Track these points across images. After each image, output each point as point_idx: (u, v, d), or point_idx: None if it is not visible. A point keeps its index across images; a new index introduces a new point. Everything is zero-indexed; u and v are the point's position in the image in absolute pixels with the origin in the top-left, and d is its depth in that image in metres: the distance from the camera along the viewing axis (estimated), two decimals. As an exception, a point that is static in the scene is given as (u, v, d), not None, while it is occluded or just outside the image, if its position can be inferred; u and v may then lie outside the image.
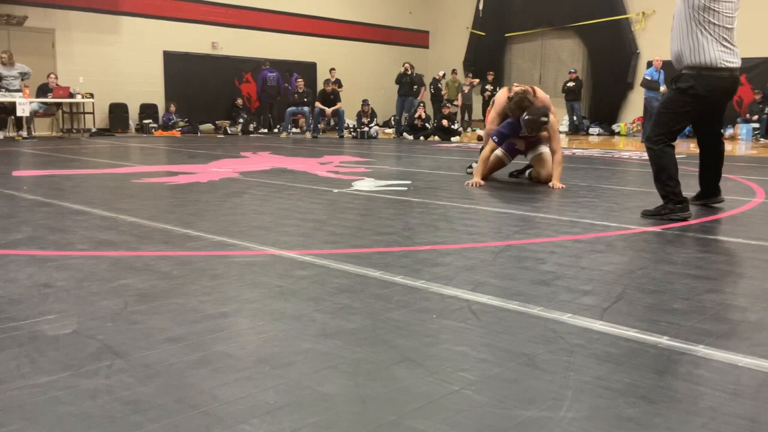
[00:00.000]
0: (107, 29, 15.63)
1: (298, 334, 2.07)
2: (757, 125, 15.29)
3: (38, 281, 2.65)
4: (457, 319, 2.22)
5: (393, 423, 1.50)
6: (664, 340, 2.04)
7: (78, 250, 3.23)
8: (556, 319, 2.23)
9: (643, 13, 17.57)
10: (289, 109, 16.03)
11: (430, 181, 6.51)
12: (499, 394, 1.65)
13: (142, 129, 16.00)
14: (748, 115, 15.57)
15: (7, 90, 12.69)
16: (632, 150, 11.75)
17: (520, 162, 6.94)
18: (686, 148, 11.14)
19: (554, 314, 2.29)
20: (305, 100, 15.95)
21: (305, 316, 2.24)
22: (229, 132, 16.36)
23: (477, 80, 19.10)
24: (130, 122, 16.18)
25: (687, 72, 4.33)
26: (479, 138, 14.78)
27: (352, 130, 15.99)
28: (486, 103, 17.83)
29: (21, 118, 12.81)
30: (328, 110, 15.52)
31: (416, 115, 15.42)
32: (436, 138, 14.94)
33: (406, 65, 16.20)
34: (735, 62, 4.32)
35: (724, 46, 4.25)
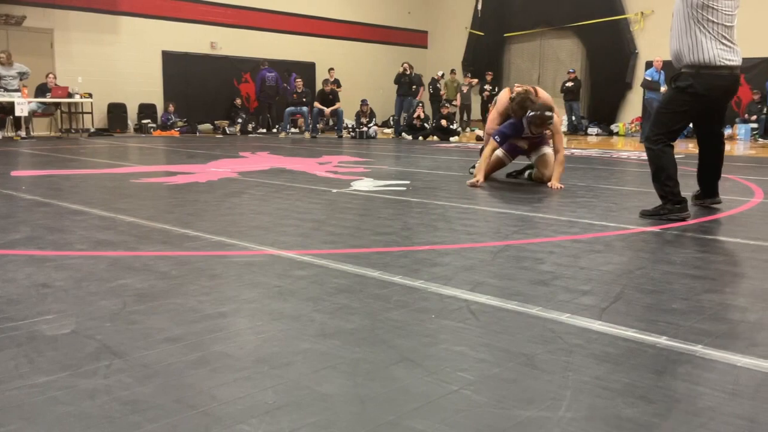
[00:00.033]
0: (106, 29, 15.62)
1: (297, 334, 2.07)
2: (755, 125, 15.31)
3: (37, 281, 2.65)
4: (456, 319, 2.22)
5: (392, 423, 1.50)
6: (663, 340, 2.04)
7: (76, 250, 3.23)
8: (555, 319, 2.23)
9: (642, 13, 17.59)
10: (288, 109, 16.02)
11: (428, 181, 6.51)
12: (498, 394, 1.65)
13: (140, 129, 15.99)
14: (746, 116, 15.59)
15: (6, 90, 12.68)
16: (631, 150, 11.76)
17: (519, 162, 6.93)
18: (685, 148, 11.15)
19: (553, 314, 2.29)
20: (304, 100, 15.95)
21: (304, 316, 2.24)
22: (227, 132, 16.36)
23: (476, 80, 19.11)
24: (129, 122, 16.17)
25: (686, 71, 4.31)
26: (478, 138, 14.79)
27: (350, 130, 15.99)
28: (485, 103, 17.86)
29: (19, 118, 12.80)
30: (327, 110, 15.52)
31: (415, 115, 15.43)
32: (435, 138, 14.95)
33: (405, 65, 16.20)
34: (735, 60, 4.28)
35: (724, 44, 4.22)
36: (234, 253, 3.21)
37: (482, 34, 20.76)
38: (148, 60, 16.35)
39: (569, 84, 17.42)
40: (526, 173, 6.62)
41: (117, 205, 4.64)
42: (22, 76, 13.00)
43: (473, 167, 7.06)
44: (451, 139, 14.71)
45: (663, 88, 12.66)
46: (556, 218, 4.35)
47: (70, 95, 13.78)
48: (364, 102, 16.00)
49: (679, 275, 2.88)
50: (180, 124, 16.17)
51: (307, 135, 15.70)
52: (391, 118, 18.30)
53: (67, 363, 1.81)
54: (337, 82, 16.82)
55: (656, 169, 4.39)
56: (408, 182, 6.29)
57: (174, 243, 3.43)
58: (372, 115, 16.32)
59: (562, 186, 5.88)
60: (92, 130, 14.69)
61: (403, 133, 15.57)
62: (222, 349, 1.93)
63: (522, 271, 2.89)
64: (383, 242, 3.50)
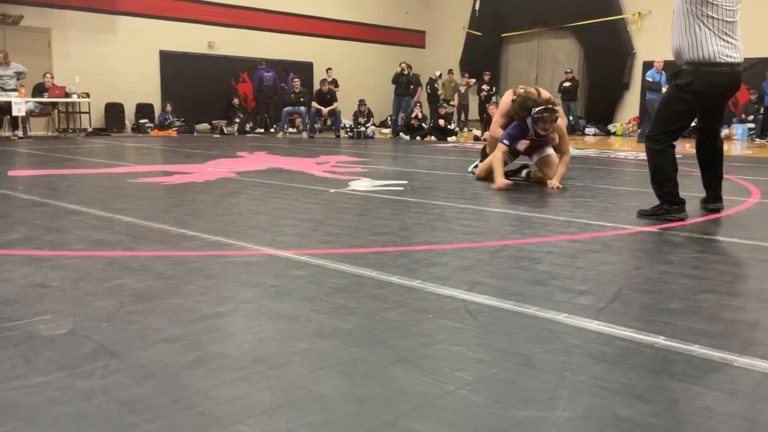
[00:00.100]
0: (103, 29, 15.61)
1: (294, 334, 2.07)
2: (752, 125, 15.34)
3: (34, 281, 2.65)
4: (454, 319, 2.22)
5: (389, 423, 1.50)
6: (660, 340, 2.04)
7: (74, 250, 3.22)
8: (552, 319, 2.23)
9: (639, 13, 17.61)
10: (286, 108, 16.02)
11: (426, 181, 6.51)
12: (496, 394, 1.65)
13: (138, 129, 15.98)
14: (743, 116, 15.61)
15: (3, 89, 12.66)
16: (628, 150, 11.77)
17: (516, 162, 6.93)
18: (682, 148, 11.16)
19: (550, 314, 2.29)
20: (302, 99, 15.95)
21: (301, 316, 2.24)
22: (225, 132, 16.34)
23: (473, 80, 19.12)
24: (126, 122, 16.16)
25: (686, 68, 4.24)
26: (476, 138, 14.80)
27: (348, 130, 15.99)
28: (482, 104, 17.85)
29: (17, 117, 12.78)
30: (325, 110, 15.52)
31: (413, 115, 15.43)
32: (433, 138, 14.95)
33: (403, 65, 16.21)
34: (736, 57, 4.19)
35: (724, 40, 4.14)
36: (231, 253, 3.20)
37: (480, 34, 20.77)
38: (145, 60, 16.34)
39: (567, 84, 17.44)
40: (523, 173, 6.62)
41: (114, 205, 4.63)
42: (19, 75, 12.98)
43: (475, 166, 7.07)
44: (449, 139, 14.71)
45: (664, 89, 12.67)
46: (554, 218, 4.35)
47: (67, 95, 13.77)
48: (361, 102, 16.00)
49: (677, 275, 2.88)
50: (177, 123, 16.16)
51: (304, 135, 15.69)
52: (389, 118, 18.31)
53: (64, 363, 1.81)
54: (334, 82, 16.82)
55: (655, 168, 4.35)
56: (406, 182, 6.29)
57: (171, 243, 3.42)
58: (370, 115, 16.32)
59: (560, 186, 5.89)
60: (89, 129, 14.66)
61: (401, 133, 15.57)
62: (219, 350, 1.92)
63: (519, 271, 2.89)
64: (381, 242, 3.50)
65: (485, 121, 15.15)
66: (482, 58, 20.40)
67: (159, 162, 8.62)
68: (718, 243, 3.72)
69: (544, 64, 19.75)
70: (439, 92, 18.48)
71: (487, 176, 6.59)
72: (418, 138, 14.98)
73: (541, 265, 3.02)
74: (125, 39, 15.95)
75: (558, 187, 5.85)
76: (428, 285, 2.64)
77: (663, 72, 13.23)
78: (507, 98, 6.37)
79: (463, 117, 19.03)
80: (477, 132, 15.29)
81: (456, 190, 5.77)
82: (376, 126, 18.31)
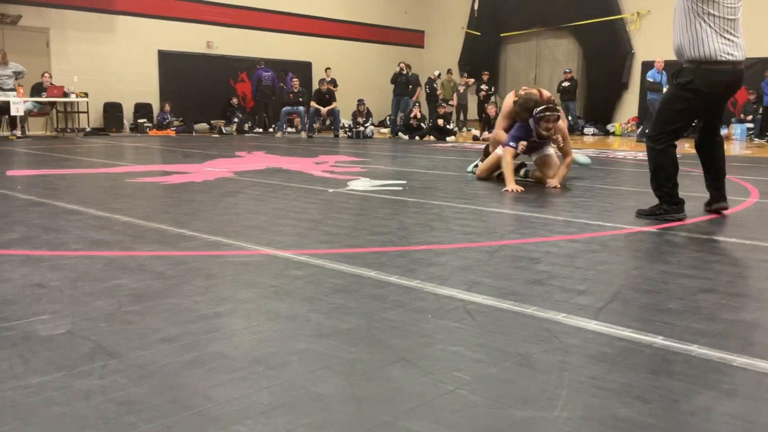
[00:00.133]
0: (102, 28, 15.60)
1: (293, 334, 2.07)
2: (751, 125, 15.35)
3: (32, 281, 2.64)
4: (452, 319, 2.22)
5: (388, 423, 1.50)
6: (659, 340, 2.04)
7: (72, 250, 3.22)
8: (551, 319, 2.23)
9: (638, 13, 17.62)
10: (285, 108, 16.02)
11: (425, 180, 6.51)
12: (494, 394, 1.65)
13: (136, 128, 15.97)
14: (742, 116, 15.63)
15: (1, 89, 12.66)
16: (627, 150, 11.78)
17: (515, 161, 6.93)
18: (680, 148, 11.15)
19: (549, 314, 2.29)
20: (300, 99, 15.95)
21: (300, 316, 2.24)
22: (224, 131, 16.34)
23: (472, 80, 19.12)
24: (125, 122, 16.15)
25: (687, 66, 4.20)
26: (475, 138, 14.81)
27: (347, 129, 15.99)
28: (481, 103, 17.86)
29: (15, 117, 12.77)
30: (324, 110, 15.52)
31: (412, 115, 15.43)
32: (432, 138, 14.95)
33: (402, 65, 16.21)
34: (737, 55, 4.14)
35: (726, 38, 4.09)
36: (230, 253, 3.20)
37: (479, 33, 20.78)
38: (144, 59, 16.33)
39: (566, 84, 17.45)
40: (522, 171, 6.62)
41: (112, 205, 4.63)
42: (17, 75, 12.97)
43: (475, 165, 7.08)
44: (448, 139, 14.71)
45: (665, 89, 12.66)
46: (553, 218, 4.35)
47: (65, 94, 13.76)
48: (360, 102, 16.00)
49: (676, 275, 2.88)
50: (176, 123, 16.15)
51: (303, 134, 15.69)
52: (388, 117, 18.32)
53: (62, 363, 1.81)
54: (333, 82, 16.82)
55: (655, 168, 4.31)
56: (404, 182, 6.29)
57: (170, 243, 3.42)
58: (369, 114, 16.33)
59: (559, 186, 5.89)
60: (88, 129, 14.66)
61: (400, 133, 15.57)
62: (218, 350, 1.92)
63: (518, 271, 2.89)
64: (380, 242, 3.50)
65: (484, 121, 15.17)
66: (481, 57, 20.41)
67: (157, 162, 8.62)
68: (717, 243, 3.72)
69: (542, 63, 19.76)
70: (438, 92, 18.48)
71: (488, 176, 6.61)
72: (416, 138, 14.98)
73: (540, 264, 3.02)
74: (124, 39, 15.94)
75: (557, 187, 5.86)
76: (427, 285, 2.64)
77: (664, 72, 13.23)
78: (509, 100, 6.37)
79: (461, 117, 19.03)
80: (476, 132, 15.30)
81: (455, 190, 5.77)
82: (375, 126, 18.32)
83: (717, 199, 4.51)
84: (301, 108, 15.93)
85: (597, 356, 1.91)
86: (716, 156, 4.48)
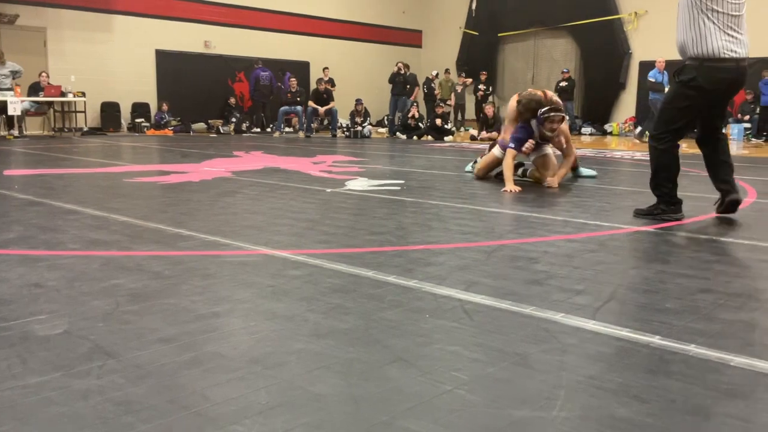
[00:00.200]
0: (99, 28, 15.57)
1: (291, 334, 2.07)
2: (748, 125, 15.37)
3: (29, 281, 2.64)
4: (450, 319, 2.22)
5: (385, 423, 1.50)
6: (657, 340, 2.05)
7: (69, 250, 3.21)
8: (549, 319, 2.23)
9: (636, 13, 17.63)
10: (282, 108, 16.01)
11: (423, 180, 6.51)
12: (492, 394, 1.65)
13: (134, 128, 15.95)
14: (739, 115, 15.65)
15: (-1, 89, 12.64)
16: (624, 150, 11.78)
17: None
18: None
19: (547, 314, 2.29)
20: (298, 99, 15.94)
21: (298, 316, 2.24)
22: (221, 131, 16.33)
23: (470, 80, 19.13)
24: (122, 121, 16.12)
25: (690, 63, 4.16)
26: (472, 137, 14.81)
27: (345, 129, 15.98)
28: (479, 103, 17.87)
29: (12, 116, 12.75)
30: (321, 109, 15.51)
31: (409, 115, 15.43)
32: (429, 137, 14.95)
33: (400, 65, 16.21)
34: (740, 52, 4.08)
35: (729, 34, 4.05)
36: (227, 252, 3.20)
37: (476, 33, 20.78)
38: (141, 59, 16.31)
39: (563, 84, 17.46)
40: (519, 170, 6.62)
41: (110, 205, 4.62)
42: (14, 74, 12.94)
43: (474, 162, 7.09)
44: (446, 138, 14.72)
45: (667, 89, 12.65)
46: (551, 218, 4.35)
47: (63, 94, 13.74)
48: (358, 101, 15.99)
49: (673, 275, 2.88)
50: (174, 123, 16.14)
51: (301, 134, 15.68)
52: (386, 117, 18.31)
53: (60, 363, 1.80)
54: (331, 82, 16.82)
55: (657, 167, 4.28)
56: (402, 182, 6.29)
57: (167, 243, 3.42)
58: (366, 114, 16.32)
59: (557, 186, 5.90)
60: (85, 129, 14.64)
61: (398, 133, 15.57)
62: (215, 350, 1.92)
63: (516, 271, 2.89)
64: (377, 242, 3.50)
65: (481, 121, 15.18)
66: (479, 57, 20.41)
67: (155, 161, 8.61)
68: (715, 243, 3.72)
69: (540, 63, 19.77)
70: (436, 92, 18.49)
71: (485, 175, 6.63)
72: (414, 137, 14.99)
73: (538, 264, 3.02)
74: (121, 38, 15.91)
75: (554, 186, 5.87)
76: (425, 285, 2.64)
77: (665, 72, 13.23)
78: (513, 103, 6.36)
79: (459, 117, 19.03)
80: (473, 132, 15.30)
81: (453, 190, 5.78)
82: (373, 125, 18.31)
83: (728, 192, 4.29)
84: (299, 108, 15.92)
85: (595, 356, 1.91)
86: (720, 149, 4.37)
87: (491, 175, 6.71)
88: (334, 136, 15.56)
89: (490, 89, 18.86)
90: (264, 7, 18.44)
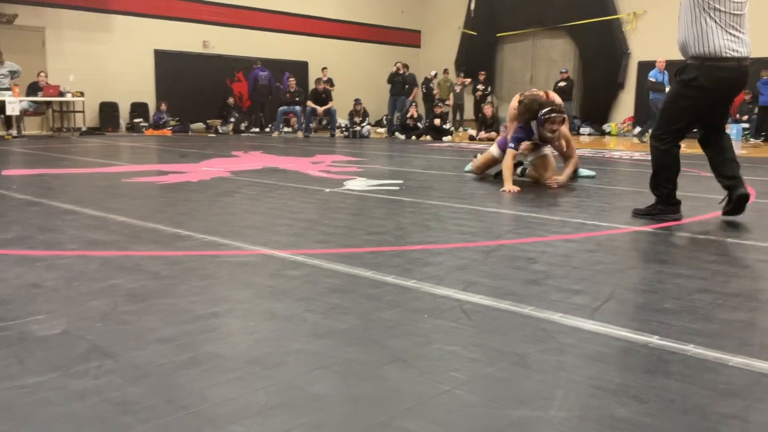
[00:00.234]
0: (98, 28, 15.56)
1: (289, 334, 2.06)
2: (747, 125, 15.38)
3: (27, 281, 2.64)
4: (449, 319, 2.22)
5: (384, 423, 1.50)
6: (655, 340, 2.05)
7: (67, 250, 3.21)
8: (547, 319, 2.23)
9: (634, 13, 17.64)
10: (281, 108, 16.00)
11: (422, 180, 6.51)
12: (491, 394, 1.65)
13: (132, 128, 15.94)
14: (737, 116, 15.66)
15: (-3, 88, 12.63)
16: (623, 150, 11.79)
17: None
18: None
19: (545, 314, 2.29)
20: (297, 99, 15.93)
21: (296, 316, 2.24)
22: (220, 131, 16.32)
23: (469, 80, 19.12)
24: (121, 121, 16.11)
25: (691, 62, 4.13)
26: (471, 138, 14.81)
27: (344, 129, 15.98)
28: (478, 103, 17.87)
29: (11, 116, 12.74)
30: (320, 109, 15.50)
31: (408, 115, 15.44)
32: (428, 137, 14.95)
33: (398, 65, 16.21)
34: (742, 51, 4.05)
35: (731, 33, 4.01)
36: (226, 252, 3.19)
37: (475, 33, 20.79)
38: (140, 59, 16.30)
39: (562, 84, 17.45)
40: (518, 170, 6.63)
41: (108, 205, 4.62)
42: (13, 74, 12.94)
43: (475, 157, 7.11)
44: (444, 138, 14.72)
45: (668, 89, 12.64)
46: (549, 218, 4.35)
47: (61, 94, 13.72)
48: (357, 101, 15.99)
49: (671, 275, 2.88)
50: (172, 123, 16.13)
51: (300, 134, 15.68)
52: (384, 117, 18.31)
53: (58, 364, 1.80)
54: (330, 82, 16.81)
55: (657, 167, 4.27)
56: (401, 182, 6.29)
57: (166, 243, 3.41)
58: (365, 114, 16.32)
59: (561, 184, 5.89)
60: (84, 129, 14.63)
61: (396, 133, 15.57)
62: (214, 350, 1.92)
63: (514, 271, 2.89)
64: (376, 242, 3.50)
65: (480, 121, 15.18)
66: (477, 57, 20.41)
67: (154, 161, 8.60)
68: (713, 242, 3.73)
69: (539, 63, 19.77)
70: (435, 92, 18.48)
71: (482, 172, 6.68)
72: (413, 137, 14.99)
73: (536, 264, 3.02)
74: (120, 38, 15.91)
75: (562, 182, 5.88)
76: (423, 285, 2.63)
77: (665, 71, 13.23)
78: (514, 102, 6.35)
79: (458, 117, 19.03)
80: (472, 132, 15.30)
81: (451, 190, 5.78)
82: (372, 125, 18.31)
83: (735, 187, 4.16)
84: (298, 108, 15.92)
85: (593, 356, 1.91)
86: (724, 147, 4.31)
87: (489, 173, 6.72)
88: (333, 136, 15.55)
89: (489, 89, 18.86)
90: (263, 7, 18.43)
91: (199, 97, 17.05)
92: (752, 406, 1.61)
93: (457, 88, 18.88)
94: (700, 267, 3.05)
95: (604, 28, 18.07)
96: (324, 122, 17.04)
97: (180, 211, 4.43)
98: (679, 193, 4.36)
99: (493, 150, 6.56)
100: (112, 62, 15.78)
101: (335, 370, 1.78)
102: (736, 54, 4.04)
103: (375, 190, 5.59)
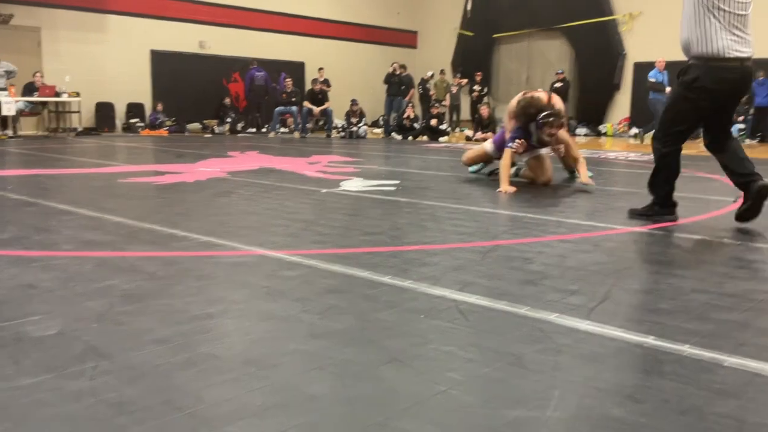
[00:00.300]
0: (94, 28, 15.53)
1: (286, 334, 2.06)
2: (742, 126, 15.42)
3: (23, 282, 2.63)
4: (445, 319, 2.22)
5: (380, 424, 1.50)
6: (650, 340, 2.05)
7: (63, 251, 3.20)
8: (543, 319, 2.24)
9: (630, 14, 17.67)
10: (277, 108, 15.99)
11: (418, 181, 6.52)
12: (487, 394, 1.65)
13: (128, 128, 15.91)
14: (733, 116, 15.69)
15: (-7, 88, 12.61)
16: (618, 150, 11.80)
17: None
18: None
19: (541, 314, 2.29)
20: (293, 99, 15.92)
21: (292, 316, 2.24)
22: (216, 131, 16.30)
23: (465, 81, 19.12)
24: (117, 121, 16.09)
25: (694, 63, 4.08)
26: (467, 138, 14.82)
27: (340, 129, 15.98)
28: (474, 104, 17.87)
29: (6, 117, 12.71)
30: (317, 110, 15.50)
31: (405, 115, 15.44)
32: (425, 138, 14.96)
33: (395, 65, 16.21)
34: (745, 51, 4.00)
35: (735, 34, 3.96)
36: (222, 253, 3.19)
37: (471, 34, 20.79)
38: (136, 59, 16.27)
39: (558, 85, 17.44)
40: (513, 169, 6.63)
41: (104, 205, 4.61)
42: (9, 74, 12.91)
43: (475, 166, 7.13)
44: (441, 139, 14.73)
45: (668, 89, 12.65)
46: (545, 218, 4.36)
47: (57, 94, 13.70)
48: (353, 102, 15.99)
49: (667, 275, 2.89)
50: (168, 123, 16.11)
51: (296, 135, 15.67)
52: (381, 118, 18.30)
53: (53, 364, 1.80)
54: (326, 82, 16.80)
55: (657, 168, 4.26)
56: (397, 182, 6.29)
57: (161, 243, 3.41)
58: (362, 114, 16.31)
59: (590, 181, 5.90)
60: (80, 129, 14.60)
61: (393, 133, 15.58)
62: (210, 351, 1.92)
63: (511, 271, 2.90)
64: (372, 242, 3.50)
65: (476, 122, 15.19)
66: (474, 58, 20.41)
67: (150, 162, 8.59)
68: (708, 243, 3.74)
69: (535, 64, 19.79)
70: (431, 92, 18.48)
71: (471, 164, 6.80)
72: (410, 138, 14.99)
73: (533, 265, 3.02)
74: (116, 38, 15.87)
75: (591, 183, 5.88)
76: (420, 285, 2.64)
77: (665, 72, 13.24)
78: (514, 102, 6.35)
79: (454, 117, 19.02)
80: (468, 132, 15.31)
81: (448, 190, 5.78)
82: (368, 126, 18.30)
83: (754, 181, 4.01)
84: (294, 108, 15.91)
85: (589, 356, 1.91)
86: (734, 148, 4.22)
87: (484, 172, 6.73)
88: (329, 136, 15.55)
89: (485, 90, 18.87)
90: (259, 8, 18.41)
91: (195, 98, 17.02)
92: (747, 406, 1.61)
93: (454, 89, 18.88)
94: (696, 267, 3.05)
95: (600, 29, 18.09)
96: (320, 123, 17.03)
97: (176, 211, 4.42)
98: (676, 194, 4.36)
99: (487, 145, 6.57)
100: (108, 62, 15.74)
101: (331, 371, 1.78)
102: (739, 54, 3.99)
103: (371, 191, 5.59)
